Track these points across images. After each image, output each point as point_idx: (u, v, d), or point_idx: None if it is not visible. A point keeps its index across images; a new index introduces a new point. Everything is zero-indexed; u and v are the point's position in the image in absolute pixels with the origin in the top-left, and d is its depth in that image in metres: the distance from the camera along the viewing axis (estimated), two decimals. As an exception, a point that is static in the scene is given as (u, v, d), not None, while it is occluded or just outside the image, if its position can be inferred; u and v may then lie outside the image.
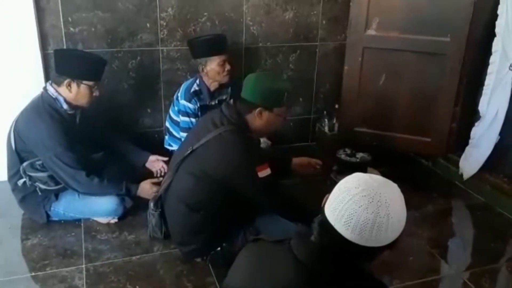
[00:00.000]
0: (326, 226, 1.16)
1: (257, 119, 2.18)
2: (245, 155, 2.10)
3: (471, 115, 3.18)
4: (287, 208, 2.20)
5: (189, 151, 2.18)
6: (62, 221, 2.65)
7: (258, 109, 2.16)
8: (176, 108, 3.08)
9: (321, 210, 1.21)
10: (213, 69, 2.94)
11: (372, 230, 1.10)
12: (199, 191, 2.16)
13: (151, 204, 2.37)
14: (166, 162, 2.85)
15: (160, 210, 2.35)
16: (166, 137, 3.25)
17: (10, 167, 2.58)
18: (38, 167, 2.50)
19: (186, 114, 2.98)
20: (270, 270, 1.26)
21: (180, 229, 2.29)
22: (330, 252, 1.18)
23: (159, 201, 2.35)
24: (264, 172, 2.10)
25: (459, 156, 3.23)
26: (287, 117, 2.38)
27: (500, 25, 2.82)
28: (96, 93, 2.58)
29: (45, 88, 2.54)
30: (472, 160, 3.13)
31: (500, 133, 2.97)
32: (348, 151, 3.25)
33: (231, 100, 3.05)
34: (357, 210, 1.11)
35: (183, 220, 2.23)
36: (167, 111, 3.26)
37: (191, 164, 2.18)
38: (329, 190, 1.23)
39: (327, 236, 1.17)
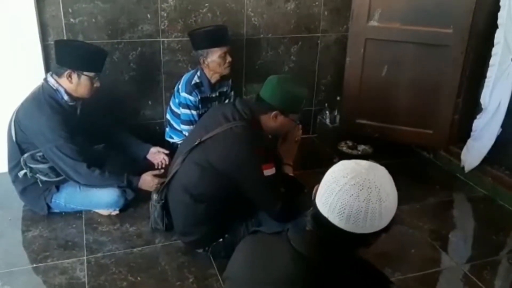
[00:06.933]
0: (319, 219, 1.16)
1: (271, 121, 2.18)
2: (252, 152, 2.10)
3: (473, 107, 3.18)
4: (287, 207, 2.17)
5: (197, 142, 2.17)
6: (63, 213, 2.65)
7: (274, 112, 2.15)
8: (176, 100, 3.07)
9: (312, 203, 1.21)
10: (214, 61, 2.92)
11: (366, 217, 1.10)
12: (204, 183, 2.16)
13: (155, 195, 2.37)
14: (167, 155, 2.86)
15: (163, 201, 2.34)
16: (167, 129, 3.24)
17: (10, 158, 2.57)
18: (39, 158, 2.49)
19: (187, 106, 2.97)
20: (268, 261, 1.26)
21: (183, 219, 2.28)
22: (327, 242, 1.18)
23: (164, 191, 2.35)
24: (270, 171, 2.10)
25: (461, 149, 3.23)
26: (299, 123, 2.39)
27: (502, 17, 2.80)
28: (97, 84, 2.57)
29: (45, 79, 2.53)
30: (474, 152, 3.13)
31: (502, 126, 2.96)
32: (350, 143, 3.25)
33: (235, 96, 3.01)
34: (349, 200, 1.10)
35: (187, 210, 2.23)
36: (167, 103, 3.25)
37: (198, 155, 2.17)
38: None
39: (322, 228, 1.17)
